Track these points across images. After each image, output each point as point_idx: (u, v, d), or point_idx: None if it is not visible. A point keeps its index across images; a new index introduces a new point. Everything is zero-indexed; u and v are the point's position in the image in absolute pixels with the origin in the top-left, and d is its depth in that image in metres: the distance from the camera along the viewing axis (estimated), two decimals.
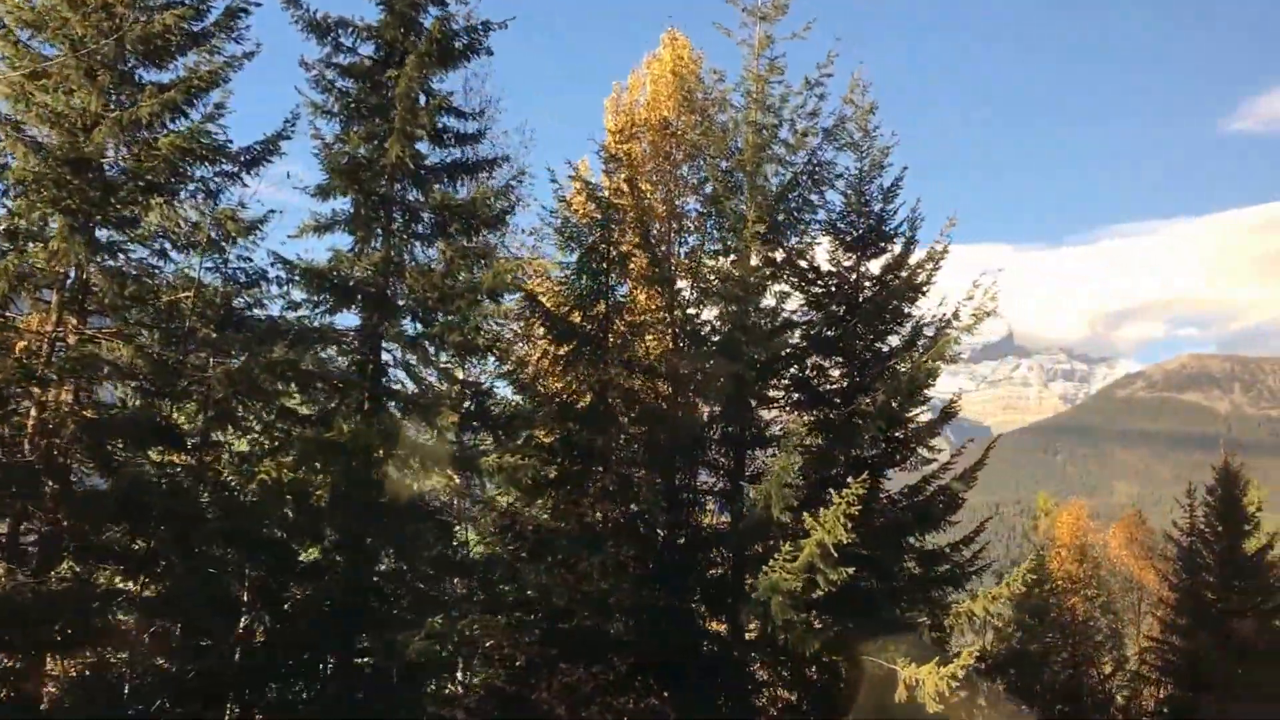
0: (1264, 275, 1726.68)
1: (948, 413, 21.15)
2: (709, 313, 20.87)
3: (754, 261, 20.61)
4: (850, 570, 16.14)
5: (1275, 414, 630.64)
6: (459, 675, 17.62)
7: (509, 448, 17.46)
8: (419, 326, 14.71)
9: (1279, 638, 29.98)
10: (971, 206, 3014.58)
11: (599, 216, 19.59)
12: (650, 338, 20.63)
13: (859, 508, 15.85)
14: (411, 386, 15.05)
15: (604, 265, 19.68)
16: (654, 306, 20.35)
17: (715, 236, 21.06)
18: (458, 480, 15.49)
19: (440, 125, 15.72)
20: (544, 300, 20.04)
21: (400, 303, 14.67)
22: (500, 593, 16.76)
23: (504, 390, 18.57)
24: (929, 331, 20.99)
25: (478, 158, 15.84)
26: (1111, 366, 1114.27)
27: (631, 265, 20.18)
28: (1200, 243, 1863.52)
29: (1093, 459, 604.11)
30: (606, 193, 19.91)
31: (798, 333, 21.34)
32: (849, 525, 15.92)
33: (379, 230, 14.82)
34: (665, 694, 18.14)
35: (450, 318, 14.03)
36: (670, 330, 20.36)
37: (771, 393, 21.27)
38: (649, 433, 19.84)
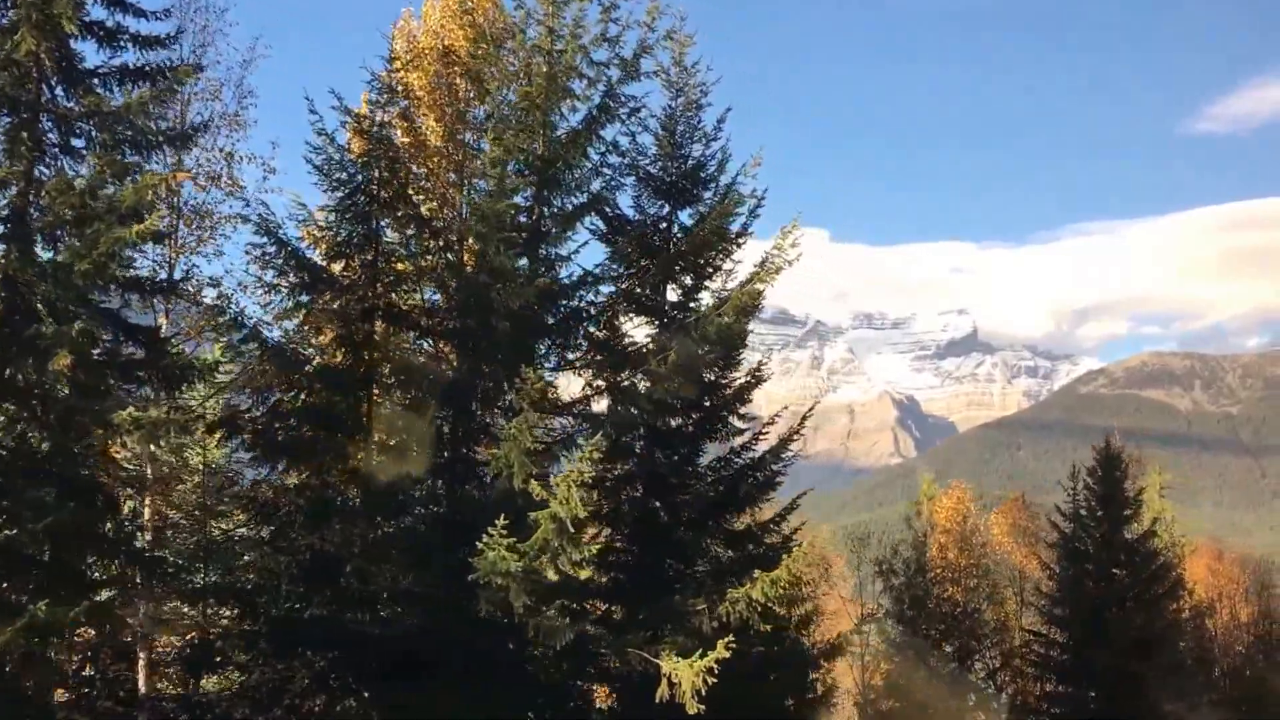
0: (1225, 274, 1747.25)
1: (756, 377, 18.97)
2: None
3: (548, 209, 18.42)
4: (591, 551, 13.93)
5: (1235, 411, 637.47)
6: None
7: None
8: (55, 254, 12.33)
9: (1160, 628, 28.24)
10: (935, 204, 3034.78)
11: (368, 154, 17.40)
12: (427, 291, 18.37)
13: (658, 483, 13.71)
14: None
15: (370, 209, 17.47)
16: (428, 257, 18.04)
17: (505, 181, 18.72)
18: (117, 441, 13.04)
19: (112, 24, 13.33)
20: (313, 247, 17.81)
21: (37, 225, 12.28)
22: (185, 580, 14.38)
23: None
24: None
25: (158, 63, 13.44)
26: (1075, 363, 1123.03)
27: (402, 210, 17.89)
28: (1163, 242, 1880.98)
29: (1055, 455, 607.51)
30: (383, 127, 17.74)
31: (600, 289, 19.14)
32: (589, 496, 13.76)
33: (24, 140, 12.43)
34: (414, 692, 15.91)
35: (79, 242, 11.65)
36: (448, 284, 18.06)
37: (570, 354, 19.09)
38: (417, 398, 17.60)
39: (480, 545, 13.12)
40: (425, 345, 18.65)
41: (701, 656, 13.90)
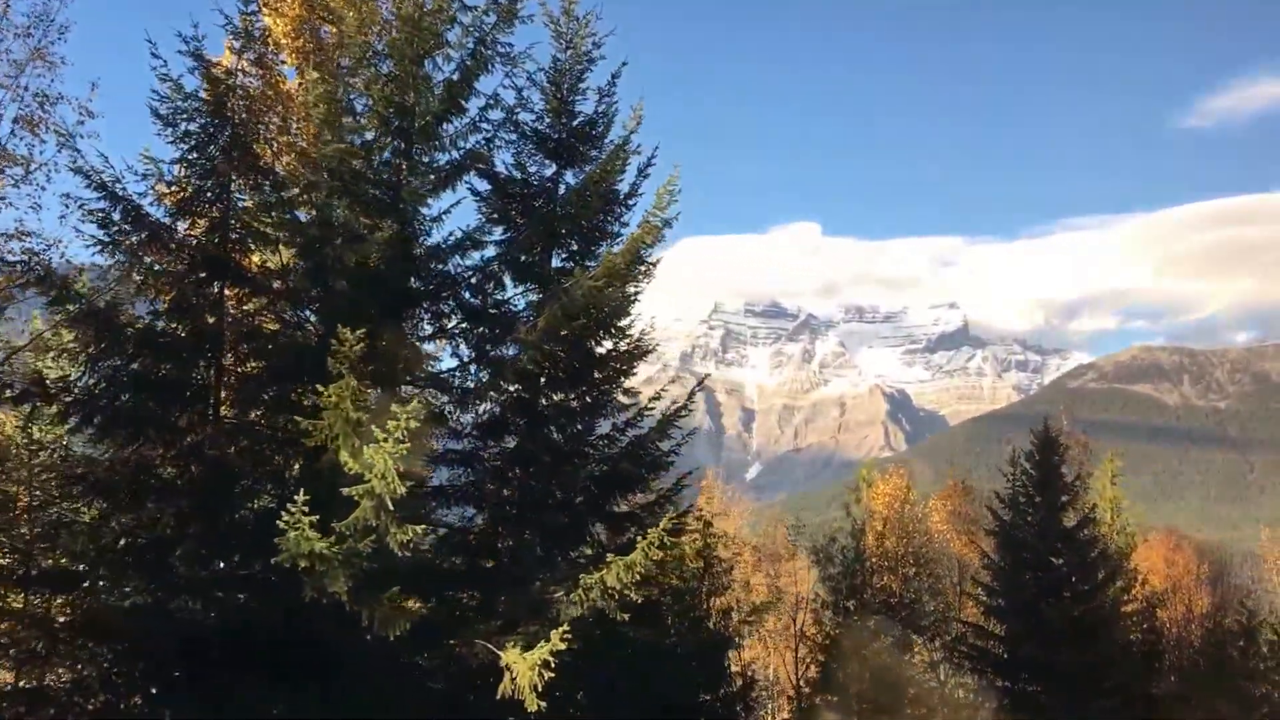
0: (1214, 269, 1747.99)
1: (639, 347, 17.65)
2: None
3: (415, 165, 17.06)
4: (417, 532, 12.64)
5: (1223, 406, 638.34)
6: None
7: None
8: None
9: (1096, 618, 27.06)
10: (926, 199, 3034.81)
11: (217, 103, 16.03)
12: (282, 252, 16.98)
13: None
14: None
15: (220, 162, 16.10)
16: (281, 214, 16.65)
17: (373, 135, 17.36)
18: None
19: None
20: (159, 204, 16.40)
21: None
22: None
23: None
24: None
25: None
26: (1064, 358, 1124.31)
27: (255, 164, 16.52)
28: (1153, 237, 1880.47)
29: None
30: (237, 75, 16.39)
31: (477, 253, 17.80)
32: (424, 471, 12.47)
33: None
34: (245, 686, 14.59)
35: None
36: (305, 246, 16.68)
37: (447, 323, 17.76)
38: (269, 368, 16.26)
39: (281, 523, 11.79)
40: (289, 313, 17.27)
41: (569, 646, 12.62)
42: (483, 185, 17.97)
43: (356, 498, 12.23)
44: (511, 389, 17.21)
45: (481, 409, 17.69)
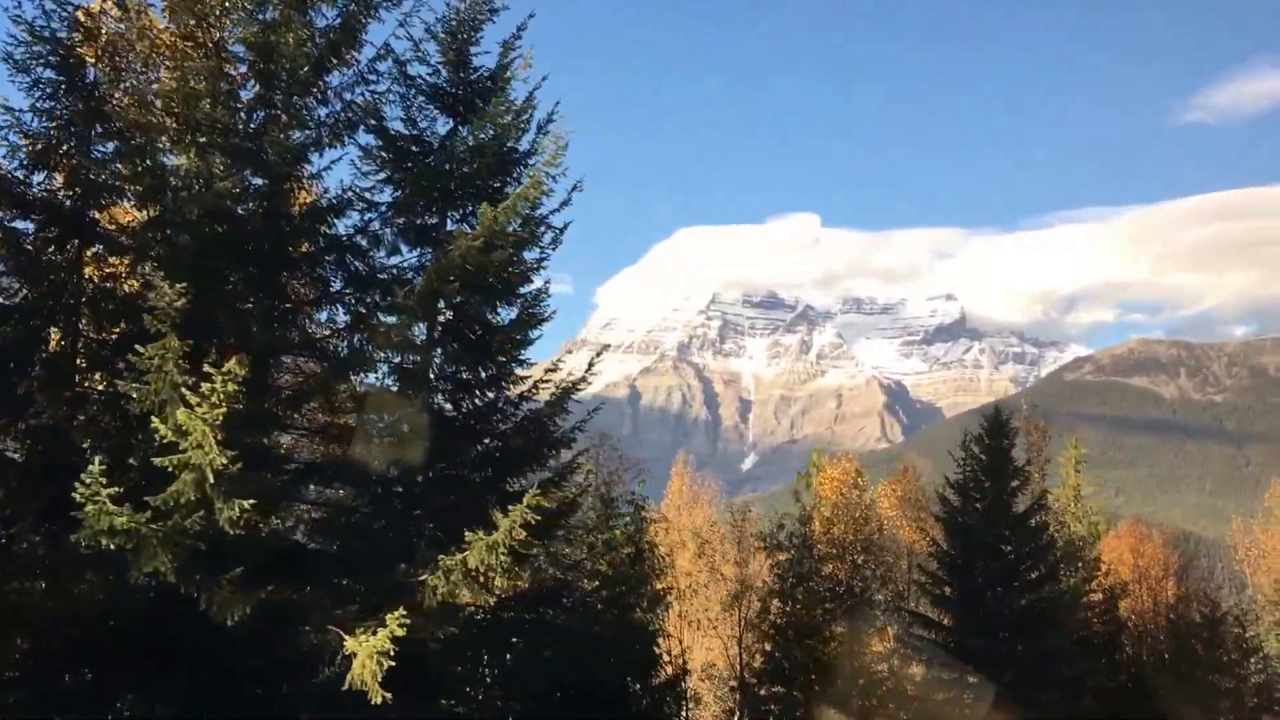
0: (1213, 263, 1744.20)
1: (533, 314, 16.52)
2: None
3: (293, 117, 15.93)
4: (244, 507, 11.53)
5: (1219, 400, 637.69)
6: None
7: None
8: None
9: (1048, 609, 26.01)
10: (926, 190, 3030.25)
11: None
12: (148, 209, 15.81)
13: None
14: None
15: (78, 111, 15.00)
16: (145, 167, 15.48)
17: (247, 84, 16.20)
18: None
19: None
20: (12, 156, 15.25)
21: None
22: None
23: None
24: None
25: None
26: (1061, 350, 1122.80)
27: (123, 112, 15.39)
28: (1152, 230, 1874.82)
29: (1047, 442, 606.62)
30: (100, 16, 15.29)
31: (367, 214, 16.65)
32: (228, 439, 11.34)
33: None
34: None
35: None
36: (164, 200, 15.50)
37: (331, 287, 16.63)
38: (129, 333, 15.14)
39: (77, 496, 10.68)
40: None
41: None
42: (372, 141, 16.80)
43: (171, 469, 11.13)
44: (395, 358, 16.13)
45: (368, 379, 16.64)
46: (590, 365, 16.55)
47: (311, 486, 16.27)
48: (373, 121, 16.62)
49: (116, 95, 15.35)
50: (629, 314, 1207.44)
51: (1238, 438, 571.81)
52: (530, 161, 16.99)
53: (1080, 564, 34.67)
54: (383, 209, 16.64)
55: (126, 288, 15.37)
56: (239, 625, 12.45)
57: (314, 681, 12.58)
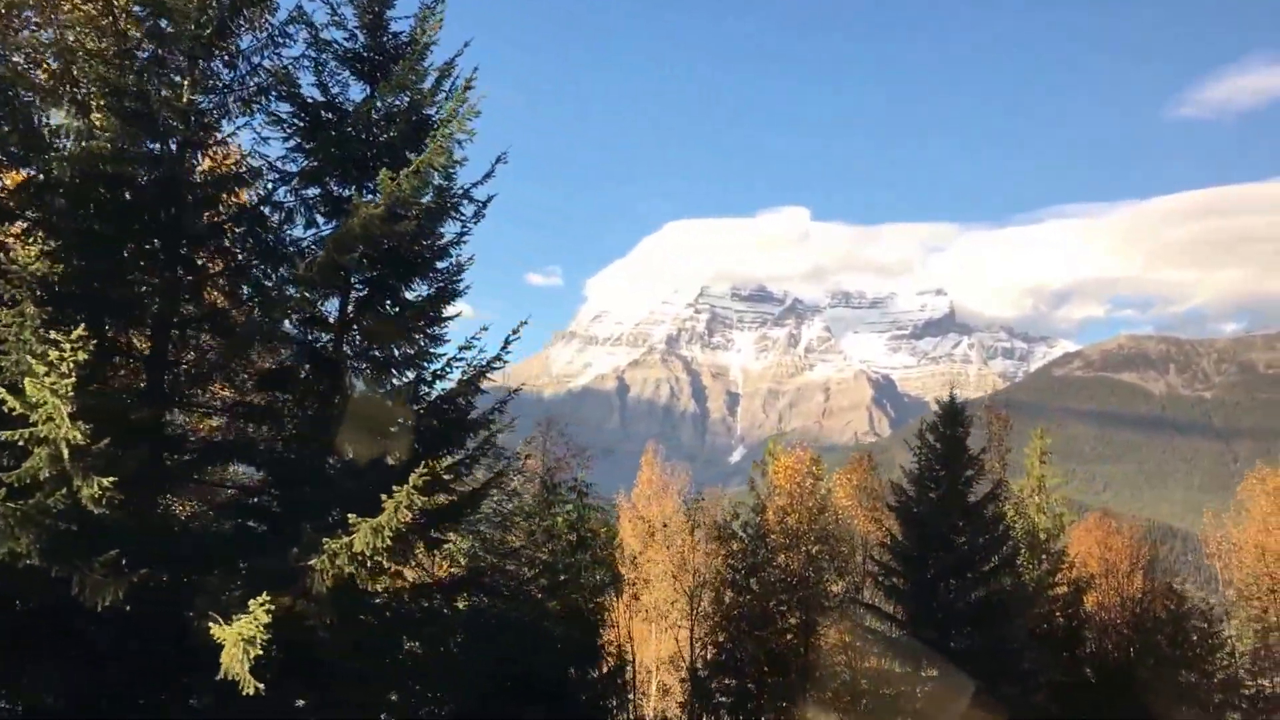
0: (1204, 259, 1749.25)
1: (449, 290, 15.81)
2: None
3: (197, 83, 15.14)
4: (105, 484, 10.79)
5: (1208, 396, 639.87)
6: None
7: None
8: None
9: (1003, 602, 25.40)
10: (917, 185, 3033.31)
11: None
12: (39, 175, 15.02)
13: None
14: None
15: None
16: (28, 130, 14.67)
17: (145, 45, 15.38)
18: None
19: None
20: None
21: None
22: None
23: None
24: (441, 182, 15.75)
25: None
26: (1051, 346, 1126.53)
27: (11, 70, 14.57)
28: (1143, 226, 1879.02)
29: (1027, 438, 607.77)
30: None
31: (278, 186, 15.88)
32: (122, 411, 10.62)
33: None
34: None
35: None
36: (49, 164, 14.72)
37: (235, 260, 15.86)
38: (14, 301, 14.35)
39: None
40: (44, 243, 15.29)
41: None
42: (286, 109, 16.02)
43: (21, 442, 10.39)
44: (307, 335, 15.42)
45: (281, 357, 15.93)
46: (506, 343, 15.80)
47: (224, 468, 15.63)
48: (285, 87, 15.82)
49: (5, 49, 14.56)
50: (618, 307, 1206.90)
51: (1226, 434, 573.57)
52: (448, 130, 16.22)
53: (1044, 556, 34.15)
54: (294, 179, 15.90)
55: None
56: (141, 615, 11.82)
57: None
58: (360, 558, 12.14)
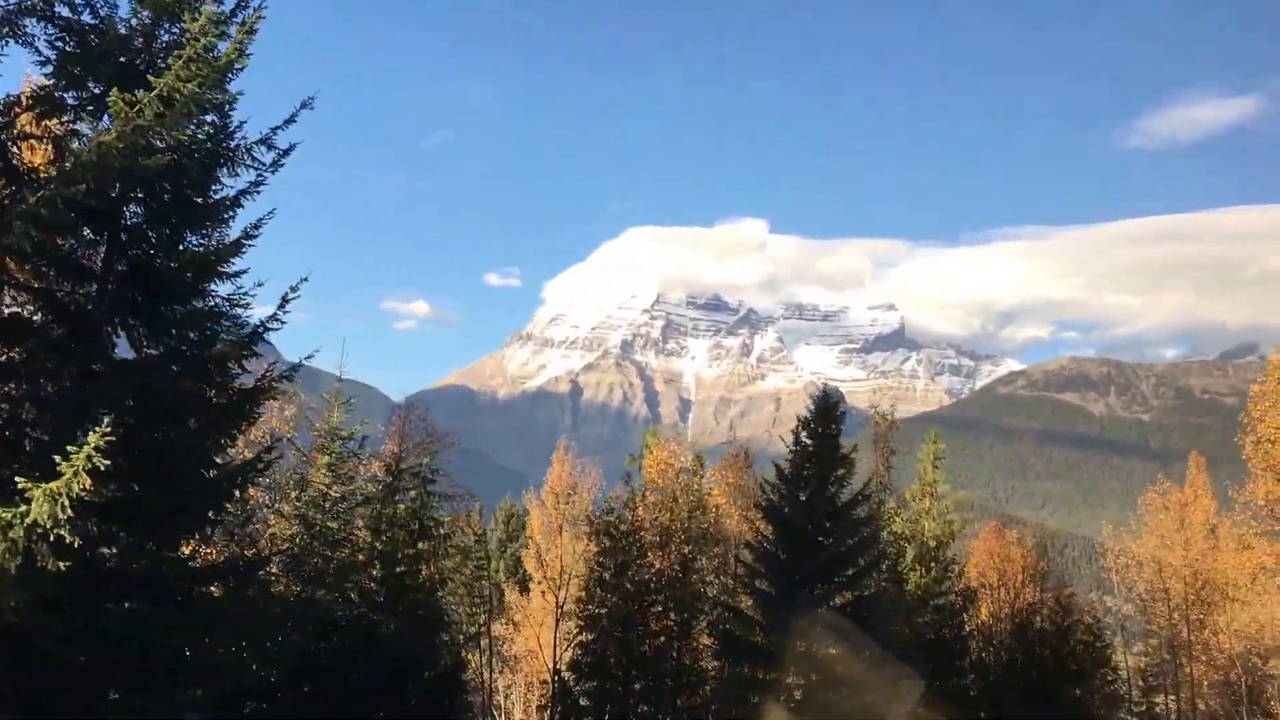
0: (1148, 285, 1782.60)
1: (232, 246, 14.26)
2: None
3: None
4: None
5: (1146, 418, 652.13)
6: None
7: None
8: None
9: (866, 606, 24.27)
10: (872, 202, 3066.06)
11: None
12: None
13: None
14: None
15: None
16: None
17: None
18: None
19: None
20: None
21: None
22: None
23: None
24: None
25: None
26: (996, 364, 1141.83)
27: None
28: (1090, 250, 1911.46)
29: (971, 451, 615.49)
30: None
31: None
32: None
33: None
34: None
35: None
36: None
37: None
38: None
39: None
40: None
41: None
42: (44, 33, 14.32)
43: None
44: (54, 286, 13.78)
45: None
46: (283, 302, 14.27)
47: None
48: (43, 7, 14.16)
49: None
50: (575, 310, 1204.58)
51: (1162, 455, 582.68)
52: (238, 68, 14.63)
53: (933, 564, 33.21)
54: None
55: None
56: None
57: None
58: (39, 530, 10.47)
